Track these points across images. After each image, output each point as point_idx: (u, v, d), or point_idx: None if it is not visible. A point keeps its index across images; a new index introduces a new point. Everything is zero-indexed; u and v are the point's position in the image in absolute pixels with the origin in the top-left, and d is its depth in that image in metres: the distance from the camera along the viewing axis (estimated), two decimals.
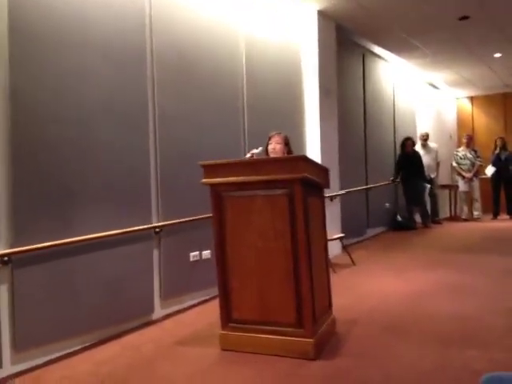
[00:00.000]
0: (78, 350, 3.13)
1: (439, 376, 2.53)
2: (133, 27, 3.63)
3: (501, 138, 9.59)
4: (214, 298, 3.94)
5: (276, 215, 2.85)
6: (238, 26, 4.72)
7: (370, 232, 7.60)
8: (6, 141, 2.81)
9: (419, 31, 6.64)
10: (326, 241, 3.29)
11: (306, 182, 2.83)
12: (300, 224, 2.79)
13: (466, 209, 9.48)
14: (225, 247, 3.00)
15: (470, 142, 9.67)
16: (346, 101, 6.89)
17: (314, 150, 5.82)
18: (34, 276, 2.92)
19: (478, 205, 9.38)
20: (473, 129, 11.68)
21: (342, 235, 5.60)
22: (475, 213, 9.37)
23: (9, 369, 2.79)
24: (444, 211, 9.96)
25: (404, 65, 8.67)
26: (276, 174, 2.81)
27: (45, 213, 2.99)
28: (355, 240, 6.99)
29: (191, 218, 3.99)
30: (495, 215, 9.32)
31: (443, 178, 10.07)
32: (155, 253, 3.78)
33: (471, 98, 11.87)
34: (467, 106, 11.97)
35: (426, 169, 8.74)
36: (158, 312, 3.79)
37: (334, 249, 5.79)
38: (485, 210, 9.55)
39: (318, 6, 5.66)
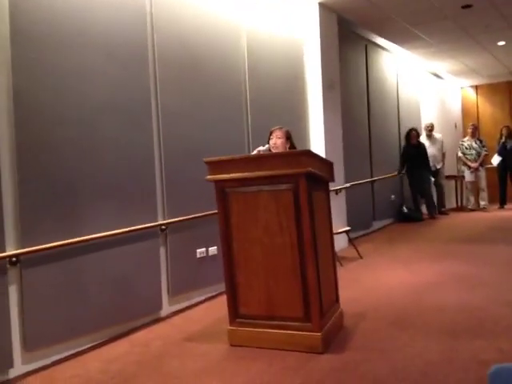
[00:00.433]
0: (88, 348, 3.16)
1: (447, 367, 2.54)
2: (134, 25, 3.62)
3: (506, 126, 9.52)
4: (221, 293, 3.95)
5: (281, 210, 2.85)
6: (240, 20, 4.70)
7: (376, 224, 7.58)
8: (11, 142, 2.82)
9: (422, 21, 6.58)
10: (331, 234, 3.29)
11: (310, 176, 2.83)
12: (305, 218, 2.79)
13: (472, 199, 9.43)
14: (231, 243, 3.01)
15: (476, 132, 9.60)
16: (350, 93, 6.86)
17: (318, 143, 5.80)
18: (42, 276, 2.95)
19: (484, 194, 9.32)
20: (478, 118, 11.60)
21: (348, 229, 5.59)
22: (482, 203, 9.32)
23: (20, 368, 2.82)
24: (450, 202, 9.91)
25: (407, 55, 8.61)
26: (280, 169, 2.81)
27: (51, 212, 3.01)
28: (361, 233, 6.98)
29: (197, 215, 4.00)
30: (502, 204, 9.28)
31: (449, 169, 10.01)
32: (162, 250, 3.80)
33: (476, 87, 11.78)
34: (472, 95, 11.88)
35: (431, 160, 8.70)
36: (166, 309, 3.81)
37: (341, 242, 5.79)
38: (491, 200, 9.49)
39: None
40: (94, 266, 3.25)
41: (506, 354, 2.64)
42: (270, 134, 3.64)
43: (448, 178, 9.82)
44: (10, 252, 2.77)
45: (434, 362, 2.61)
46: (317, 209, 2.95)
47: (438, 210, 8.85)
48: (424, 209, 8.65)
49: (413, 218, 8.19)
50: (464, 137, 10.17)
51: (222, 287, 3.44)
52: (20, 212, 2.84)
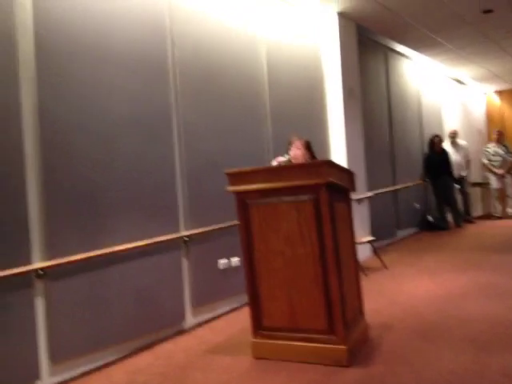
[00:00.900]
0: (113, 360, 3.18)
1: (475, 381, 2.47)
2: (154, 40, 3.69)
3: None
4: (245, 304, 3.93)
5: (302, 221, 2.84)
6: (259, 32, 4.74)
7: (401, 234, 7.47)
8: (36, 157, 2.89)
9: (442, 27, 6.51)
10: (354, 245, 3.25)
11: (331, 186, 2.81)
12: (327, 229, 2.77)
13: (499, 206, 9.22)
14: (252, 254, 3.00)
15: (501, 138, 9.40)
16: (370, 101, 6.82)
17: (339, 152, 5.77)
18: (67, 288, 2.99)
19: (511, 202, 9.10)
20: (503, 124, 11.37)
21: (373, 238, 5.52)
22: (509, 210, 9.09)
23: (47, 380, 2.86)
24: (476, 210, 9.71)
25: (428, 61, 8.53)
26: (301, 180, 2.80)
27: (76, 225, 3.06)
28: (386, 242, 6.88)
29: (218, 226, 4.02)
30: None
31: (474, 176, 9.82)
32: (184, 262, 3.82)
33: (500, 93, 11.57)
34: (496, 100, 11.67)
35: (456, 167, 8.55)
36: (190, 320, 3.82)
37: (365, 252, 5.73)
38: None
39: (337, 8, 5.62)
40: (118, 278, 3.29)
41: None
42: (290, 144, 3.64)
43: (473, 185, 9.62)
44: (36, 265, 2.83)
45: (461, 375, 2.54)
46: (338, 219, 2.93)
47: (464, 218, 8.67)
48: (449, 217, 8.49)
49: (438, 226, 8.05)
50: (488, 143, 9.98)
51: (245, 298, 3.42)
52: (45, 225, 2.90)
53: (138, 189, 3.47)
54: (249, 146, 4.49)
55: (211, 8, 4.22)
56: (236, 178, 3.02)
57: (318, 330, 2.82)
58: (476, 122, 11.20)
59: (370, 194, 6.23)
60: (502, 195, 9.21)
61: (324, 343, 2.80)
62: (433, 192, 8.36)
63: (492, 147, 9.33)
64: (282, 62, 5.05)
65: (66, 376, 2.94)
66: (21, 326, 2.75)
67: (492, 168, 9.20)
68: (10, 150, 2.76)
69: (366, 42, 6.76)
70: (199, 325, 3.84)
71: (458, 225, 8.29)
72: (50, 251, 2.90)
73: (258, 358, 2.97)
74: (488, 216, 9.55)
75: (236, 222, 3.15)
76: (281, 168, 3.11)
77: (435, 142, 8.33)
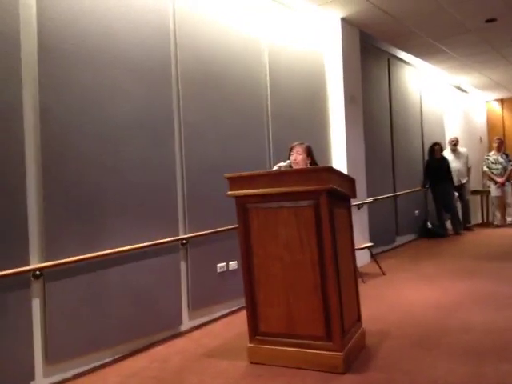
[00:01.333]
0: (108, 362, 3.17)
1: None
2: (157, 43, 3.69)
3: None
4: (242, 308, 3.93)
5: (302, 227, 2.83)
6: (262, 36, 4.74)
7: (400, 240, 7.47)
8: (36, 158, 2.89)
9: (445, 35, 6.52)
10: (353, 252, 3.25)
11: (331, 192, 2.81)
12: (326, 235, 2.76)
13: (498, 214, 9.21)
14: (251, 259, 2.99)
15: (501, 146, 9.40)
16: (372, 107, 6.82)
17: (339, 157, 5.77)
18: (64, 289, 2.98)
19: (511, 210, 9.10)
20: (503, 132, 11.38)
21: (371, 244, 5.51)
22: (508, 218, 9.09)
23: (41, 381, 2.85)
24: (476, 217, 9.71)
25: (431, 69, 8.53)
26: (301, 186, 2.79)
27: (74, 227, 3.05)
28: (384, 248, 6.88)
29: (217, 230, 4.01)
30: None
31: (474, 184, 9.82)
32: (182, 264, 3.81)
33: (501, 101, 11.58)
34: (497, 108, 11.68)
35: (456, 174, 8.56)
36: (187, 323, 3.81)
37: (363, 258, 5.72)
38: None
39: (341, 14, 5.63)
40: (115, 279, 3.28)
41: None
42: (291, 149, 3.64)
43: (473, 193, 9.62)
44: (34, 265, 2.81)
45: None
46: (338, 225, 2.92)
47: (463, 225, 8.67)
48: (449, 224, 8.49)
49: (437, 233, 8.04)
50: (489, 151, 9.98)
51: (242, 302, 3.41)
52: (44, 226, 2.89)
53: (138, 191, 3.46)
54: (250, 151, 4.48)
55: (215, 13, 4.23)
56: (236, 182, 3.01)
57: (315, 336, 2.81)
58: (477, 130, 11.20)
59: (369, 199, 6.22)
60: (501, 203, 9.22)
61: (320, 350, 2.78)
62: (433, 199, 8.36)
63: (492, 155, 9.34)
64: (285, 66, 5.05)
65: (60, 377, 2.93)
66: (17, 327, 2.74)
67: (492, 176, 9.21)
68: (10, 151, 2.75)
69: (369, 49, 6.77)
70: (196, 328, 3.83)
71: (457, 232, 8.29)
72: (48, 252, 2.89)
73: (254, 363, 2.96)
74: (487, 224, 9.55)
75: (235, 225, 3.14)
76: (281, 173, 3.10)
77: (435, 150, 8.34)
